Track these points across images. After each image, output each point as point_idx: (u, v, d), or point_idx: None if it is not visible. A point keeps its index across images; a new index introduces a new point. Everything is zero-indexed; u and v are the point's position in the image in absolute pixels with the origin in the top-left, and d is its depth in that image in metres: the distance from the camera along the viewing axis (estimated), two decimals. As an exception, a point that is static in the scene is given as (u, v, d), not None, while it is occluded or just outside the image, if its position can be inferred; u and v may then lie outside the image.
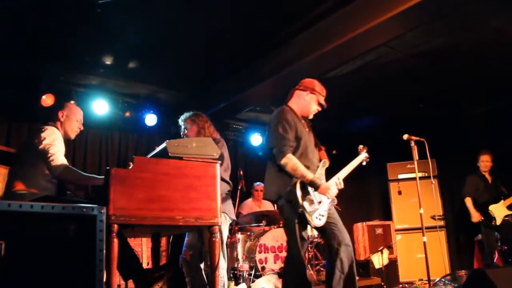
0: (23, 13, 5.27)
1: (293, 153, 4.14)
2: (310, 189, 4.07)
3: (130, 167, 3.36)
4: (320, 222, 4.03)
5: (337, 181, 4.31)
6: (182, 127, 5.02)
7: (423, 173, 7.72)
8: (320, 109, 4.50)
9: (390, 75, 7.04)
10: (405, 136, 5.30)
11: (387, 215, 9.38)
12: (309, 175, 4.06)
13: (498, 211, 7.18)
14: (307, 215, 3.98)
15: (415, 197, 8.36)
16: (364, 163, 4.90)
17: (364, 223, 8.77)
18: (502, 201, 7.22)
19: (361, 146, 5.01)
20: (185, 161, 3.54)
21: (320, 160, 4.39)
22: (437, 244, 7.99)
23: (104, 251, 2.19)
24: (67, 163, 3.87)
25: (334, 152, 10.02)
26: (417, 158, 5.32)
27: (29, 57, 6.35)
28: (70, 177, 3.87)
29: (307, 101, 4.44)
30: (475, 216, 7.33)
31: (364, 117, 9.03)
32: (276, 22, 5.82)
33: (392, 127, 8.76)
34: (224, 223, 4.56)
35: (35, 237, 1.84)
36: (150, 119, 7.86)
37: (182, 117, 5.04)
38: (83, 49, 6.26)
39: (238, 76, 7.13)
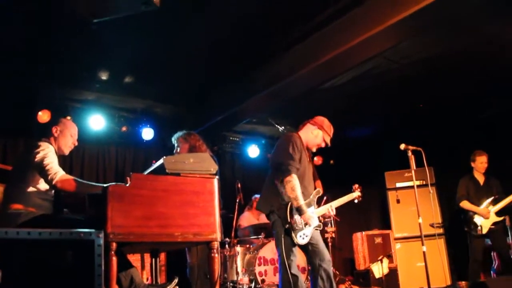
0: (19, 30, 5.27)
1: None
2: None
3: (128, 184, 3.34)
4: (302, 241, 4.46)
5: (329, 208, 5.01)
6: (175, 145, 5.28)
7: (421, 181, 7.70)
8: (323, 146, 4.89)
9: (385, 85, 7.06)
10: (402, 146, 5.29)
11: (386, 224, 9.36)
12: (301, 200, 4.44)
13: (485, 219, 6.95)
14: (292, 233, 4.41)
15: (413, 205, 8.32)
16: (356, 201, 5.40)
17: (363, 232, 8.76)
18: (491, 206, 6.94)
19: (356, 185, 5.47)
20: (183, 177, 3.54)
21: (315, 189, 4.84)
22: (437, 252, 7.97)
23: (103, 275, 2.17)
24: (64, 172, 3.83)
25: (331, 162, 10.10)
26: (415, 168, 5.31)
27: (25, 73, 6.35)
28: (68, 186, 3.76)
29: (314, 135, 4.85)
30: (484, 213, 6.94)
31: (361, 126, 9.05)
32: (271, 34, 5.83)
33: (389, 136, 8.78)
34: None
35: (33, 263, 1.82)
36: (147, 133, 7.85)
37: (175, 136, 5.33)
38: (79, 64, 6.27)
39: (234, 88, 7.13)
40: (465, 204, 7.11)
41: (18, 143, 7.12)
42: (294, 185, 4.42)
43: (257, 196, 8.03)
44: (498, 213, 6.94)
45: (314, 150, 4.95)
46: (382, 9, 4.89)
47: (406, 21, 4.72)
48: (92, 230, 1.95)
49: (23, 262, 1.84)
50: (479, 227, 6.92)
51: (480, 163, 7.21)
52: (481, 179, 7.25)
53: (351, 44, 5.29)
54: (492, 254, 7.32)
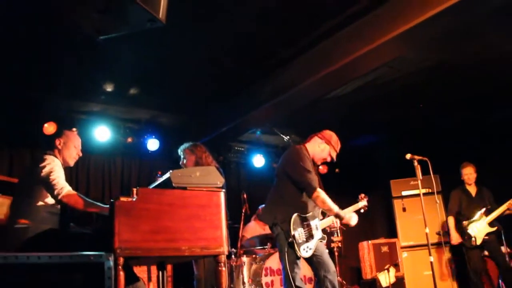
0: (25, 42, 5.29)
1: (297, 189, 4.63)
2: (304, 223, 4.56)
3: (135, 198, 3.34)
4: (306, 254, 4.49)
5: (334, 220, 5.08)
6: (181, 157, 5.30)
7: (427, 189, 7.67)
8: (328, 160, 4.97)
9: (390, 93, 7.06)
10: (408, 156, 5.28)
11: (392, 233, 9.34)
12: (336, 208, 4.58)
13: (479, 229, 7.01)
14: (296, 246, 4.41)
15: (419, 213, 8.31)
16: (362, 211, 5.43)
17: (369, 241, 8.73)
18: (484, 217, 7.01)
19: (362, 195, 5.53)
20: (189, 191, 3.53)
21: None
22: (443, 261, 7.94)
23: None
24: (70, 188, 3.85)
25: (336, 170, 10.08)
26: (421, 178, 5.29)
27: (30, 85, 6.38)
28: (73, 203, 3.79)
29: (321, 149, 4.91)
30: (454, 238, 7.21)
31: (366, 134, 9.04)
32: (276, 44, 5.84)
33: (394, 144, 8.78)
34: None
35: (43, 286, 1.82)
36: (152, 144, 7.86)
37: (181, 147, 5.36)
38: (84, 76, 6.28)
39: (239, 99, 7.14)
40: (449, 221, 7.32)
41: (24, 155, 7.13)
42: (323, 198, 4.51)
43: (263, 206, 8.04)
44: (491, 224, 7.00)
45: (319, 163, 5.00)
46: (387, 20, 4.88)
47: (411, 33, 4.71)
48: (103, 253, 1.95)
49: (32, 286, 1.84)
50: (473, 238, 6.98)
51: (465, 174, 7.37)
52: (473, 190, 7.37)
53: (355, 55, 5.28)
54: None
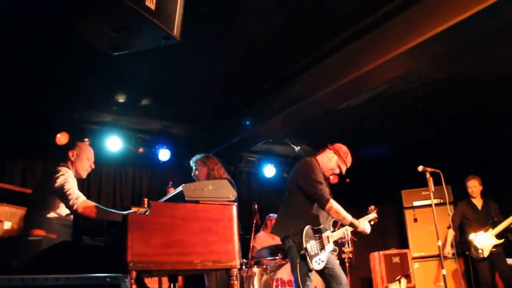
0: (38, 54, 5.35)
1: (309, 202, 4.66)
2: (316, 235, 4.59)
3: (147, 212, 3.36)
4: (318, 266, 4.50)
5: (345, 232, 5.06)
6: (193, 168, 5.29)
7: (439, 200, 7.66)
8: (337, 172, 4.99)
9: (402, 104, 7.05)
10: (420, 168, 5.26)
11: (404, 243, 9.29)
12: (350, 217, 4.63)
13: (485, 241, 7.02)
14: (308, 258, 4.42)
15: (431, 224, 8.34)
16: (372, 223, 5.37)
17: (380, 252, 8.68)
18: (490, 229, 7.04)
19: (372, 207, 5.53)
20: (202, 205, 3.55)
21: None
22: (455, 272, 7.89)
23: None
24: (84, 197, 3.86)
25: (347, 181, 10.06)
26: (433, 190, 5.27)
27: (43, 96, 6.43)
28: (89, 212, 3.79)
29: (329, 158, 4.95)
30: (447, 250, 7.28)
31: (377, 145, 9.01)
32: (288, 57, 5.85)
33: (405, 154, 8.75)
34: None
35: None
36: (163, 154, 7.89)
37: (193, 159, 5.36)
38: (97, 88, 6.32)
39: (251, 110, 7.15)
40: (449, 232, 7.36)
41: (37, 166, 7.18)
42: (336, 209, 4.56)
43: (272, 215, 8.04)
44: (498, 236, 7.01)
45: (327, 174, 4.99)
46: (399, 34, 4.87)
47: (424, 46, 4.69)
48: (119, 275, 1.96)
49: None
50: (480, 250, 7.01)
51: (470, 187, 7.41)
52: (478, 203, 7.41)
53: (367, 68, 5.26)
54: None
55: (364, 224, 4.85)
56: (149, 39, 2.82)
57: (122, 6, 2.41)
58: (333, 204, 4.55)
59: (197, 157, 5.37)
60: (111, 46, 2.88)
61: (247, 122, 7.37)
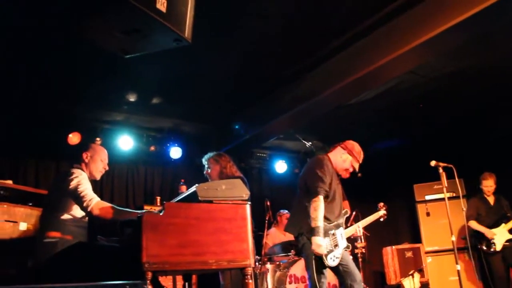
0: (50, 55, 5.36)
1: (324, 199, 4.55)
2: (329, 232, 4.56)
3: (162, 213, 3.37)
4: (333, 263, 4.50)
5: (357, 228, 5.31)
6: (205, 166, 5.29)
7: (451, 193, 7.63)
8: (351, 171, 4.94)
9: (413, 98, 7.01)
10: (433, 163, 5.24)
11: (416, 238, 9.27)
12: (319, 222, 4.42)
13: (499, 236, 7.07)
14: (323, 255, 4.42)
15: (443, 218, 8.31)
16: (381, 219, 5.62)
17: (393, 247, 8.66)
18: (503, 224, 7.12)
19: (381, 204, 5.69)
20: (216, 204, 3.55)
21: (343, 209, 4.90)
22: (469, 266, 7.86)
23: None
24: (99, 198, 3.87)
25: (359, 175, 10.02)
26: (446, 185, 5.26)
27: (55, 97, 6.46)
28: (104, 213, 3.79)
29: (343, 159, 4.90)
30: (490, 233, 7.15)
31: (388, 139, 8.98)
32: (298, 53, 5.83)
33: (417, 148, 8.72)
34: None
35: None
36: (175, 152, 7.91)
37: (206, 156, 5.35)
38: (108, 87, 6.34)
39: (261, 107, 7.14)
40: (473, 224, 7.28)
41: (50, 167, 7.24)
42: (317, 206, 4.46)
43: (283, 211, 8.05)
44: (511, 231, 7.10)
45: (341, 174, 4.96)
46: (410, 29, 4.83)
47: (435, 40, 4.65)
48: (138, 282, 1.98)
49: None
50: (493, 244, 6.95)
51: (485, 186, 7.44)
52: (491, 199, 7.45)
53: (379, 63, 5.22)
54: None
55: (320, 242, 4.37)
56: (161, 42, 2.82)
57: (133, 9, 2.41)
58: (319, 201, 4.46)
59: (209, 155, 5.36)
60: (122, 49, 2.89)
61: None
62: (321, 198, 4.49)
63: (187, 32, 2.79)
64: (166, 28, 2.61)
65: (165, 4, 2.55)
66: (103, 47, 2.86)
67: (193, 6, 2.81)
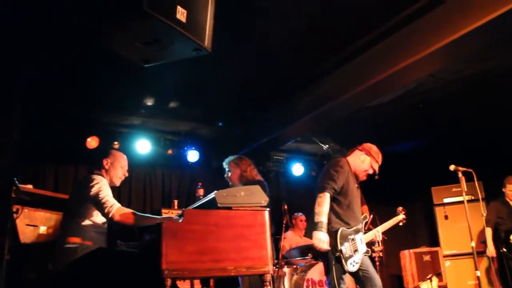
0: (69, 60, 5.41)
1: (341, 203, 4.63)
2: (349, 237, 4.55)
3: (181, 219, 3.38)
4: (353, 268, 4.48)
5: (376, 233, 5.16)
6: (226, 169, 5.26)
7: (470, 196, 7.56)
8: (371, 172, 4.92)
9: (431, 100, 6.96)
10: (452, 167, 5.19)
11: (434, 241, 9.19)
12: (321, 218, 4.43)
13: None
14: (343, 260, 4.42)
15: (462, 221, 8.22)
16: (400, 224, 5.57)
17: (411, 250, 8.61)
18: None
19: (400, 208, 5.63)
20: (235, 211, 3.56)
21: (362, 214, 4.91)
22: (489, 271, 7.78)
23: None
24: (119, 205, 3.88)
25: (376, 177, 9.97)
26: (465, 189, 5.21)
27: (73, 101, 6.52)
28: (125, 219, 3.78)
29: (361, 160, 4.89)
30: (490, 251, 7.16)
31: (406, 141, 8.92)
32: (317, 55, 5.81)
33: (435, 150, 8.65)
34: None
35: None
36: (192, 155, 7.93)
37: (226, 160, 5.32)
38: (125, 92, 6.38)
39: (279, 110, 7.14)
40: (487, 232, 7.23)
41: (68, 171, 7.31)
42: (322, 201, 4.47)
43: (298, 214, 8.05)
44: None
45: (361, 176, 4.93)
46: (432, 31, 4.77)
47: (457, 43, 4.58)
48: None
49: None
50: None
51: (510, 190, 7.33)
52: None
53: (400, 66, 5.16)
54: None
55: (321, 236, 4.39)
56: (181, 51, 2.84)
57: (154, 20, 2.42)
58: (324, 197, 4.46)
59: (230, 158, 5.36)
60: (142, 58, 2.91)
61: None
62: (327, 195, 4.48)
63: (207, 42, 2.80)
64: (186, 38, 2.62)
65: (185, 14, 2.56)
66: (123, 56, 2.87)
67: (213, 15, 2.82)
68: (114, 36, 2.64)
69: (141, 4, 2.32)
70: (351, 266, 4.45)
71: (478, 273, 4.94)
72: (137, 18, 2.43)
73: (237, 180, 5.16)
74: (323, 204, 4.45)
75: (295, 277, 6.72)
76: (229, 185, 5.24)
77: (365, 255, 4.66)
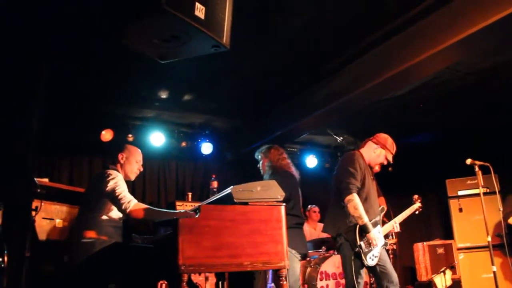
0: (83, 53, 5.41)
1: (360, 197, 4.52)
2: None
3: (197, 215, 3.38)
4: (372, 262, 4.45)
5: (394, 224, 5.16)
6: (259, 159, 5.33)
7: (485, 189, 7.49)
8: (385, 164, 4.89)
9: (447, 92, 6.89)
10: (469, 161, 5.17)
11: (448, 234, 9.14)
12: (365, 218, 4.44)
13: None
14: (362, 255, 4.40)
15: (476, 214, 8.19)
16: (417, 212, 5.60)
17: (424, 243, 8.59)
18: None
19: (416, 196, 5.64)
20: (251, 206, 3.54)
21: (379, 206, 4.89)
22: (504, 264, 7.73)
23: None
24: (136, 200, 3.89)
25: (390, 169, 9.92)
26: (482, 183, 5.18)
27: (88, 95, 6.54)
28: (141, 215, 3.80)
29: (376, 154, 4.85)
30: None
31: (420, 133, 8.86)
32: (333, 48, 5.78)
33: (449, 143, 8.59)
34: (292, 260, 4.60)
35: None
36: (206, 148, 7.95)
37: (258, 150, 5.37)
38: (139, 84, 6.40)
39: (293, 103, 7.12)
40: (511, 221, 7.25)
41: (83, 163, 7.37)
42: (356, 204, 4.43)
43: (311, 206, 8.05)
44: None
45: (376, 168, 4.92)
46: (449, 24, 4.71)
47: (476, 36, 4.53)
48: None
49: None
50: None
51: None
52: None
53: (419, 58, 5.09)
54: None
55: (375, 234, 4.49)
56: (199, 48, 2.82)
57: (172, 17, 2.41)
58: (355, 198, 4.44)
59: (261, 149, 5.34)
60: (160, 55, 2.89)
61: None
62: (355, 195, 4.45)
63: (225, 38, 2.79)
64: (204, 34, 2.60)
65: (204, 11, 2.55)
66: (141, 52, 2.86)
67: (231, 12, 2.80)
68: (133, 34, 2.63)
69: (160, 2, 2.31)
70: (370, 260, 4.43)
71: (494, 268, 4.92)
72: (156, 16, 2.42)
73: (265, 170, 5.16)
74: (358, 206, 4.43)
75: (308, 269, 6.73)
76: (261, 174, 5.24)
77: (383, 248, 4.63)
